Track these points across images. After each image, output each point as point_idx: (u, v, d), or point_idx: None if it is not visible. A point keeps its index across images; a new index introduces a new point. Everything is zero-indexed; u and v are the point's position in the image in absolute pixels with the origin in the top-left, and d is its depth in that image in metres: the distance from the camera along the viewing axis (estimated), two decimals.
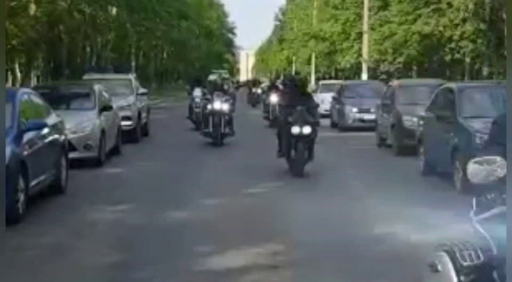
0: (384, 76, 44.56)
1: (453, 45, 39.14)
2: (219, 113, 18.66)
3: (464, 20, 38.11)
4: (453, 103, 12.20)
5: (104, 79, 20.60)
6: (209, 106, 18.95)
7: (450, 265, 4.19)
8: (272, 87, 27.81)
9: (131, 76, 23.28)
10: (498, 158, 4.02)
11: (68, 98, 16.10)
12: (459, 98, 12.21)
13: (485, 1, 36.52)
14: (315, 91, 37.06)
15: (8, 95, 10.00)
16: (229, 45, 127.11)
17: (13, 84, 36.74)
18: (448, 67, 45.57)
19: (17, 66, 39.05)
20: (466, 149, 11.15)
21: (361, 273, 7.02)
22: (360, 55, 48.63)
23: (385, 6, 46.62)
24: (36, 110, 11.14)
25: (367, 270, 7.13)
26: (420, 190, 11.92)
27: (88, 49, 50.40)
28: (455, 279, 4.15)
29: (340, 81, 36.23)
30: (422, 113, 13.93)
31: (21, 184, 9.27)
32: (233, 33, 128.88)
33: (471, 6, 36.98)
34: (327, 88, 31.54)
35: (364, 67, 44.83)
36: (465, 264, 4.12)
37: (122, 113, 18.27)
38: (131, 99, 20.25)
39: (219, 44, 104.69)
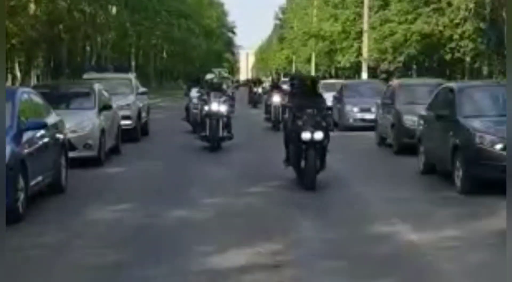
0: (384, 75, 44.57)
1: (453, 44, 39.15)
2: (217, 115, 17.31)
3: (464, 20, 38.11)
4: (453, 103, 12.19)
5: (104, 78, 20.59)
6: (205, 108, 17.60)
7: None
8: (274, 87, 26.54)
9: (131, 76, 23.28)
10: None
11: (68, 97, 16.08)
12: (459, 98, 12.20)
13: (485, 0, 36.51)
14: None
15: (7, 94, 9.99)
16: (229, 44, 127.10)
17: (13, 83, 36.77)
18: (448, 66, 45.58)
19: (17, 65, 39.08)
20: (466, 148, 11.15)
21: (361, 272, 7.02)
22: (360, 54, 48.65)
23: (385, 5, 46.62)
24: (36, 109, 11.13)
25: (366, 269, 7.12)
26: (420, 189, 11.92)
27: (88, 48, 50.43)
28: None
29: (341, 81, 36.20)
30: (422, 112, 13.92)
31: (21, 183, 9.26)
32: (233, 32, 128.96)
33: (471, 5, 36.98)
34: (328, 88, 31.42)
35: (364, 66, 44.85)
36: None
37: (122, 113, 18.25)
38: (131, 98, 20.24)
39: (219, 43, 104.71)
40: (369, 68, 45.51)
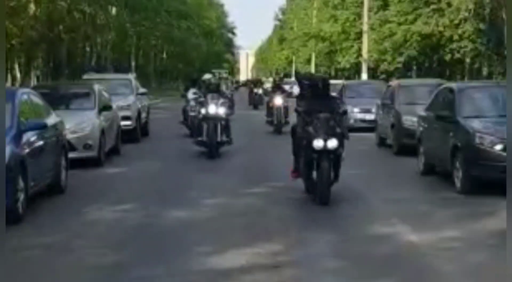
0: (383, 76, 44.60)
1: (453, 45, 39.18)
2: (214, 118, 16.14)
3: (464, 20, 38.14)
4: (453, 103, 12.19)
5: (104, 79, 20.61)
6: (202, 111, 16.42)
7: None
8: (276, 88, 25.02)
9: (131, 76, 23.29)
10: None
11: (68, 98, 16.09)
12: (459, 98, 12.21)
13: (485, 1, 36.52)
14: None
15: (7, 95, 9.99)
16: (229, 45, 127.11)
17: (13, 84, 36.72)
18: (448, 67, 45.60)
19: (16, 66, 39.04)
20: (465, 149, 11.15)
21: (361, 273, 7.02)
22: (360, 55, 48.71)
23: (384, 6, 46.65)
24: (35, 110, 11.13)
25: (366, 269, 7.13)
26: (420, 189, 11.92)
27: (88, 49, 50.42)
28: None
29: (341, 81, 36.18)
30: (422, 113, 13.93)
31: (21, 183, 9.26)
32: (233, 33, 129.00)
33: (471, 6, 36.99)
34: None
35: (364, 67, 44.88)
36: None
37: (122, 113, 18.26)
38: (131, 99, 20.25)
39: (219, 44, 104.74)
40: (369, 68, 45.56)
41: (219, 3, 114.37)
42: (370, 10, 46.27)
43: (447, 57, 40.41)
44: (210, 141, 16.01)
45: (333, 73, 64.74)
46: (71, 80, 34.65)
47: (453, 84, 14.34)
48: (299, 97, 11.52)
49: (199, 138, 16.37)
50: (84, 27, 41.70)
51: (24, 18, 32.64)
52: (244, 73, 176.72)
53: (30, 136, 10.03)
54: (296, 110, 11.00)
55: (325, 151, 10.21)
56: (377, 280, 6.84)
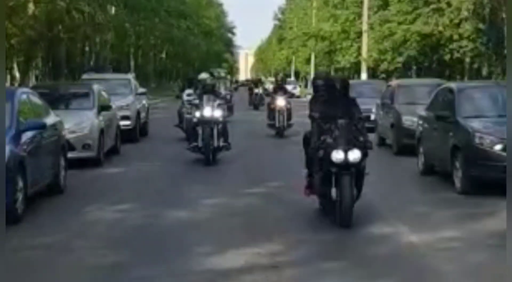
0: (383, 75, 44.61)
1: (453, 45, 39.18)
2: (210, 122, 14.94)
3: (465, 20, 38.14)
4: (452, 103, 12.19)
5: (103, 79, 20.62)
6: (197, 114, 15.18)
7: None
8: (278, 88, 23.29)
9: (130, 76, 23.29)
10: None
11: (67, 98, 16.08)
12: (458, 98, 12.20)
13: (484, 1, 36.52)
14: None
15: (7, 95, 9.99)
16: (228, 44, 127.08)
17: (12, 84, 36.71)
18: (447, 66, 45.59)
19: (15, 65, 39.04)
20: (465, 149, 11.14)
21: (360, 273, 7.01)
22: (359, 54, 48.70)
23: (384, 5, 46.65)
24: (35, 110, 11.12)
25: (366, 269, 7.12)
26: (419, 189, 11.91)
27: (87, 48, 50.41)
28: None
29: None
30: (422, 113, 13.92)
31: (20, 183, 9.25)
32: (232, 33, 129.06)
33: (470, 6, 37.00)
34: None
35: (364, 66, 44.89)
36: None
37: (121, 113, 18.25)
38: (130, 99, 20.24)
39: (218, 43, 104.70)
40: (368, 68, 45.56)
41: (218, 2, 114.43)
42: (370, 9, 46.27)
43: (447, 57, 40.40)
44: (205, 147, 14.81)
45: (332, 72, 64.75)
46: (70, 80, 34.67)
47: (452, 84, 14.33)
48: (313, 100, 9.93)
49: (194, 144, 15.14)
50: (83, 27, 41.67)
51: (23, 18, 32.62)
52: (244, 73, 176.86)
53: (29, 136, 10.02)
54: (310, 116, 9.55)
55: (346, 164, 8.85)
56: (377, 280, 6.84)
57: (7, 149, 9.04)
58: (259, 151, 18.28)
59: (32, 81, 39.56)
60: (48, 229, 9.00)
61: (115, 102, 17.53)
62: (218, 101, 15.45)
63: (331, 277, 6.93)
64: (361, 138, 9.14)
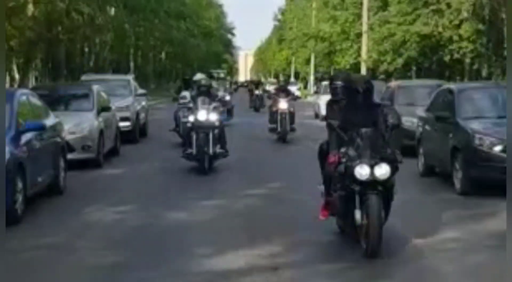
0: (383, 76, 44.59)
1: (452, 46, 39.16)
2: (205, 126, 13.81)
3: (464, 20, 38.12)
4: (452, 104, 12.19)
5: (103, 80, 20.61)
6: (190, 118, 14.08)
7: None
8: (281, 90, 22.07)
9: (130, 77, 23.29)
10: None
11: (67, 99, 16.08)
12: (458, 99, 12.20)
13: (483, 1, 36.51)
14: (318, 92, 36.95)
15: (6, 96, 10.00)
16: (228, 45, 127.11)
17: (11, 85, 36.69)
18: (447, 67, 45.57)
19: (15, 67, 39.02)
20: (465, 150, 11.14)
21: (360, 274, 7.01)
22: (359, 55, 48.71)
23: (384, 6, 46.64)
24: (34, 111, 11.12)
25: (366, 270, 7.11)
26: (419, 190, 11.90)
27: (86, 49, 50.41)
28: None
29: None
30: (422, 114, 13.92)
31: (19, 185, 9.26)
32: (232, 33, 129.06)
33: (470, 6, 36.98)
34: (328, 89, 31.20)
35: (363, 67, 44.88)
36: None
37: (120, 114, 18.24)
38: (130, 100, 20.23)
39: (218, 44, 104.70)
40: (368, 69, 45.54)
41: (218, 3, 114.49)
42: (369, 10, 46.28)
43: (447, 58, 40.36)
44: (200, 154, 13.66)
45: (332, 73, 64.77)
46: (70, 81, 34.65)
47: (452, 85, 14.34)
48: (330, 105, 8.51)
49: (188, 151, 14.02)
50: (83, 28, 41.64)
51: (23, 19, 32.59)
52: (243, 74, 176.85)
53: (28, 137, 10.03)
54: (328, 125, 8.22)
55: (372, 181, 7.51)
56: (377, 281, 6.84)
57: (7, 150, 9.05)
58: (260, 158, 16.85)
59: (32, 83, 39.54)
60: (48, 229, 9.01)
61: (115, 104, 17.53)
62: (214, 104, 14.38)
63: (331, 278, 6.93)
64: (389, 151, 7.87)
